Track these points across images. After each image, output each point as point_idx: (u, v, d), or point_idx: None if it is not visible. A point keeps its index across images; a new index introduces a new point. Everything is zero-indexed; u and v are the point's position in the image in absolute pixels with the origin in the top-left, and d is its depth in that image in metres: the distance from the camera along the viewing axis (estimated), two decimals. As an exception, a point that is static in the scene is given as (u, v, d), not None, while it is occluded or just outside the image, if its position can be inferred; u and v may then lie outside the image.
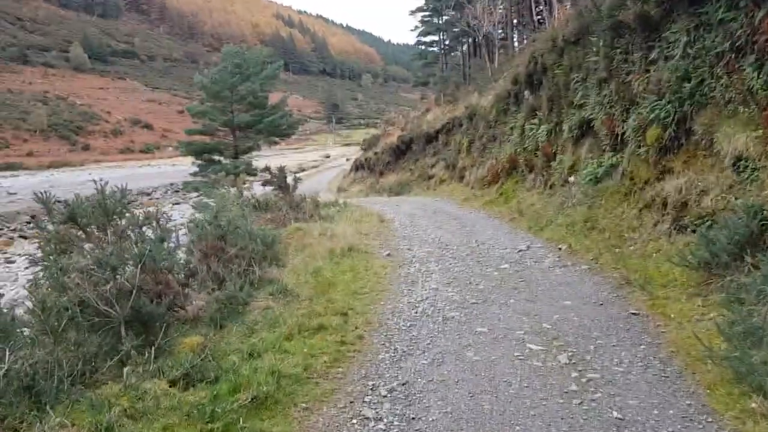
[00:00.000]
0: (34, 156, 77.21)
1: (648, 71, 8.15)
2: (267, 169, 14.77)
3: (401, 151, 26.52)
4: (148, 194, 47.79)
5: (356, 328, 5.54)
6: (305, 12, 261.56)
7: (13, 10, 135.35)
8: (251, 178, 38.11)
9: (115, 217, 6.39)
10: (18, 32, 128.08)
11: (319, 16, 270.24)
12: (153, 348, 4.57)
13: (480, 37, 26.62)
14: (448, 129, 22.84)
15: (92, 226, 6.13)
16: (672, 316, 5.25)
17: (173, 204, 36.29)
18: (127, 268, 5.58)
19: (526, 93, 14.11)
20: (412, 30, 59.49)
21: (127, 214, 6.70)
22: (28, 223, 33.10)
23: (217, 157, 34.06)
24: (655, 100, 7.66)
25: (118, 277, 5.03)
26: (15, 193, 42.57)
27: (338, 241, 9.76)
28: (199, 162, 34.10)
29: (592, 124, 10.20)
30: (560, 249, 8.53)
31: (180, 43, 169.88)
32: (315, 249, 9.29)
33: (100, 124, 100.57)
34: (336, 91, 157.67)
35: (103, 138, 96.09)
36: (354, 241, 10.14)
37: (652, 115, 7.62)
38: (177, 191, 46.14)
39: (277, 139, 37.07)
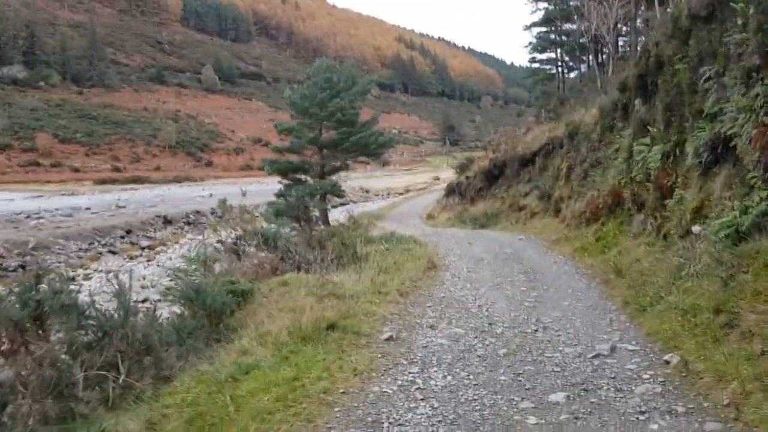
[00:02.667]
0: (161, 170, 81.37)
1: None
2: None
3: (493, 176, 22.85)
4: (248, 212, 47.76)
5: None
6: (427, 35, 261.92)
7: (153, 33, 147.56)
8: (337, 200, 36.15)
9: None
10: (157, 54, 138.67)
11: (441, 39, 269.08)
12: None
13: (589, 40, 22.42)
14: (547, 151, 18.98)
15: None
16: None
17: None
18: None
19: (637, 102, 10.23)
20: (525, 46, 54.94)
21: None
22: (122, 237, 33.33)
23: (303, 177, 32.33)
24: None
25: None
26: (123, 207, 43.55)
27: (323, 309, 6.65)
28: (286, 182, 32.50)
29: (732, 144, 6.33)
30: (667, 362, 4.80)
31: (305, 66, 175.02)
32: (277, 323, 6.23)
33: (224, 142, 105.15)
34: (453, 113, 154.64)
35: (225, 155, 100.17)
36: (353, 308, 6.97)
37: None
38: (279, 209, 46.06)
39: (365, 158, 34.94)
